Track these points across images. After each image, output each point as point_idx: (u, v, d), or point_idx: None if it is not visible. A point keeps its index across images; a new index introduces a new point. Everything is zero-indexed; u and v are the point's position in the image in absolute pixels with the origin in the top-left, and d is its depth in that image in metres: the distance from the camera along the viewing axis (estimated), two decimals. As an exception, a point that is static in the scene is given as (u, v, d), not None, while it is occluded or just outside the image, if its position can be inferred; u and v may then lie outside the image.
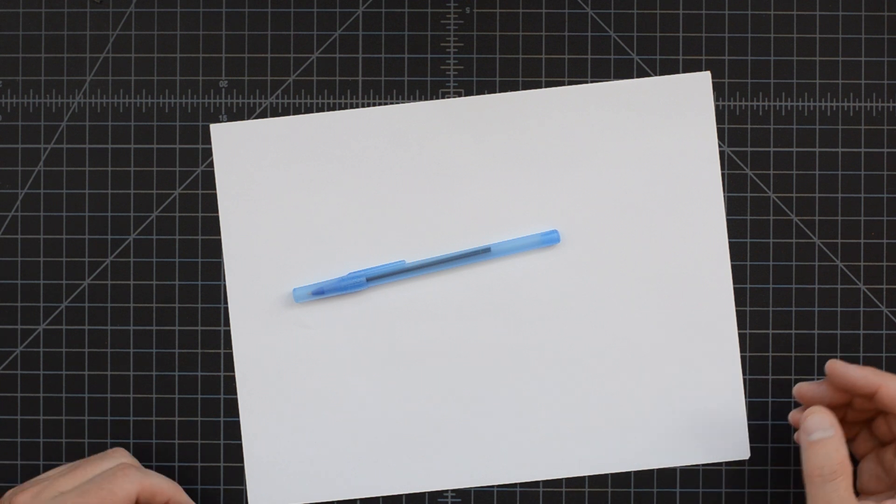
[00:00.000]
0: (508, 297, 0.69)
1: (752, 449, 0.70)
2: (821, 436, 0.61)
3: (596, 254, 0.69)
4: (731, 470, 0.70)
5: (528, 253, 0.69)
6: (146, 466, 0.70)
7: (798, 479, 0.70)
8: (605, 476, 0.70)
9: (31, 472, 0.69)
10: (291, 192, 0.69)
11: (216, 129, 0.70)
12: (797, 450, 0.70)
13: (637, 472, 0.70)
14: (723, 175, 0.70)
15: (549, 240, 0.69)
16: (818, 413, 0.62)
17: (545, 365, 0.69)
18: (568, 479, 0.70)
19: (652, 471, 0.70)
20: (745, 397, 0.70)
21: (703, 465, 0.70)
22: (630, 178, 0.69)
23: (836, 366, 0.64)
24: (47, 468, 0.70)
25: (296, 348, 0.69)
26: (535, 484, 0.70)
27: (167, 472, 0.70)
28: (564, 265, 0.69)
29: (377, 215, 0.69)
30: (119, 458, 0.66)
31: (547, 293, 0.69)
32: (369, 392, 0.69)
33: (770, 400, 0.70)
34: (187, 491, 0.70)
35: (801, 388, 0.66)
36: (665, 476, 0.70)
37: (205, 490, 0.70)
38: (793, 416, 0.67)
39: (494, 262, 0.69)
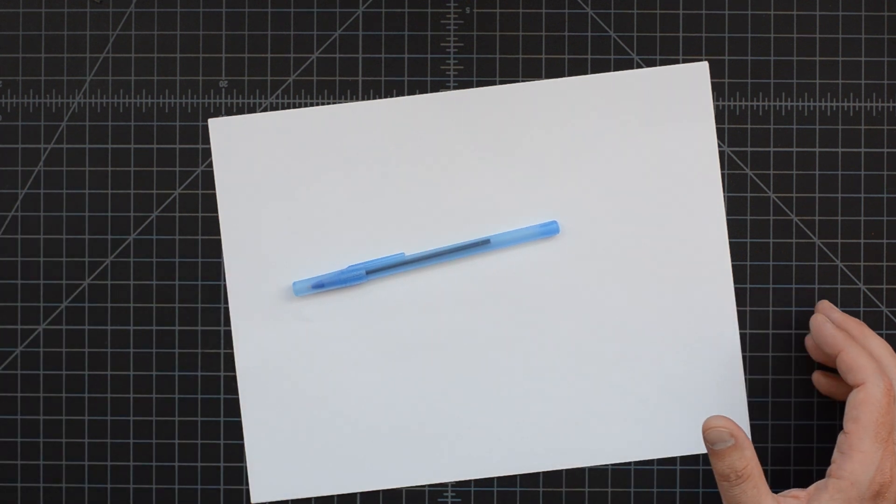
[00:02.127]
0: (508, 288, 0.69)
1: (752, 449, 0.70)
2: (722, 447, 0.63)
3: (596, 246, 0.69)
4: (732, 470, 0.70)
5: (527, 244, 0.69)
6: (146, 466, 0.70)
7: (798, 480, 0.70)
8: (605, 475, 0.70)
9: (31, 472, 0.69)
10: (290, 185, 0.69)
11: (214, 124, 0.70)
12: (797, 450, 0.70)
13: (637, 472, 0.70)
14: (723, 175, 0.70)
15: (548, 231, 0.69)
16: (716, 426, 0.63)
17: (545, 356, 0.69)
18: (568, 480, 0.70)
19: (652, 470, 0.70)
20: (746, 397, 0.70)
21: (704, 465, 0.70)
22: (629, 171, 0.69)
23: (816, 321, 0.66)
24: (47, 468, 0.70)
25: (296, 342, 0.69)
26: (536, 483, 0.70)
27: (167, 471, 0.70)
28: (564, 256, 0.69)
29: (376, 208, 0.69)
30: None
31: (546, 284, 0.69)
32: (370, 384, 0.69)
33: (770, 400, 0.70)
34: (187, 491, 0.70)
35: (809, 342, 0.69)
36: (665, 476, 0.70)
37: (205, 490, 0.70)
38: (807, 340, 0.69)
39: (494, 253, 0.69)
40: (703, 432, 0.63)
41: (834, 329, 0.65)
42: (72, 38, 0.70)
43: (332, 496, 0.70)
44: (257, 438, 0.69)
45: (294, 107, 0.70)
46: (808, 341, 0.68)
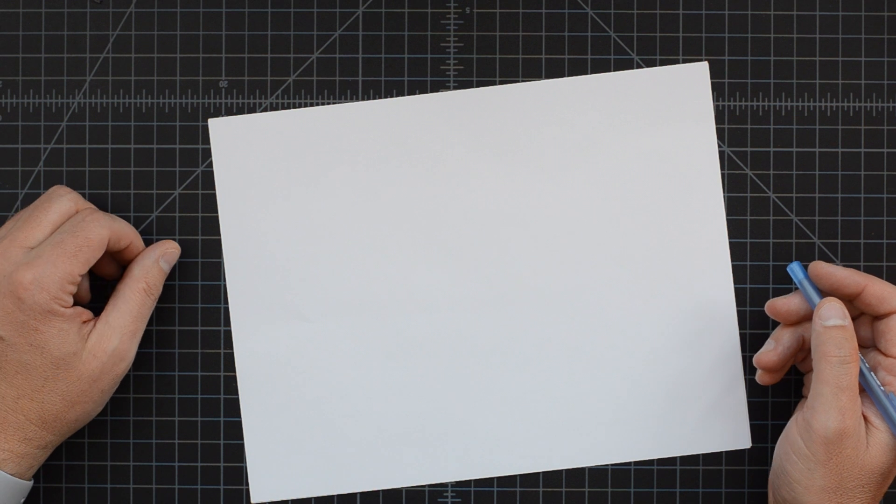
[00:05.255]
0: (508, 288, 0.69)
1: (752, 449, 0.70)
2: (838, 322, 0.63)
3: (596, 246, 0.69)
4: (731, 470, 0.70)
5: (527, 247, 0.69)
6: (146, 466, 0.70)
7: (798, 479, 0.70)
8: (605, 476, 0.70)
9: (30, 472, 0.69)
10: (290, 185, 0.69)
11: (214, 124, 0.70)
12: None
13: (637, 472, 0.70)
14: (723, 175, 0.70)
15: None
16: (835, 302, 0.64)
17: (545, 357, 0.69)
18: (568, 480, 0.70)
19: (652, 470, 0.70)
20: (746, 397, 0.70)
21: (704, 465, 0.70)
22: (629, 171, 0.69)
23: (820, 266, 0.66)
24: (47, 468, 0.70)
25: (296, 342, 0.69)
26: (536, 483, 0.70)
27: (167, 471, 0.70)
28: (564, 257, 0.69)
29: (375, 207, 0.69)
30: (65, 195, 0.66)
31: (546, 284, 0.69)
32: (370, 384, 0.69)
33: (770, 400, 0.70)
34: (187, 491, 0.70)
35: (775, 303, 0.67)
36: (665, 476, 0.70)
37: (205, 490, 0.70)
38: (769, 304, 0.67)
39: (493, 254, 0.69)
40: (821, 307, 0.63)
41: (846, 269, 0.65)
42: (72, 38, 0.70)
43: (332, 496, 0.70)
44: (257, 438, 0.69)
45: (294, 107, 0.70)
46: (779, 302, 0.66)
